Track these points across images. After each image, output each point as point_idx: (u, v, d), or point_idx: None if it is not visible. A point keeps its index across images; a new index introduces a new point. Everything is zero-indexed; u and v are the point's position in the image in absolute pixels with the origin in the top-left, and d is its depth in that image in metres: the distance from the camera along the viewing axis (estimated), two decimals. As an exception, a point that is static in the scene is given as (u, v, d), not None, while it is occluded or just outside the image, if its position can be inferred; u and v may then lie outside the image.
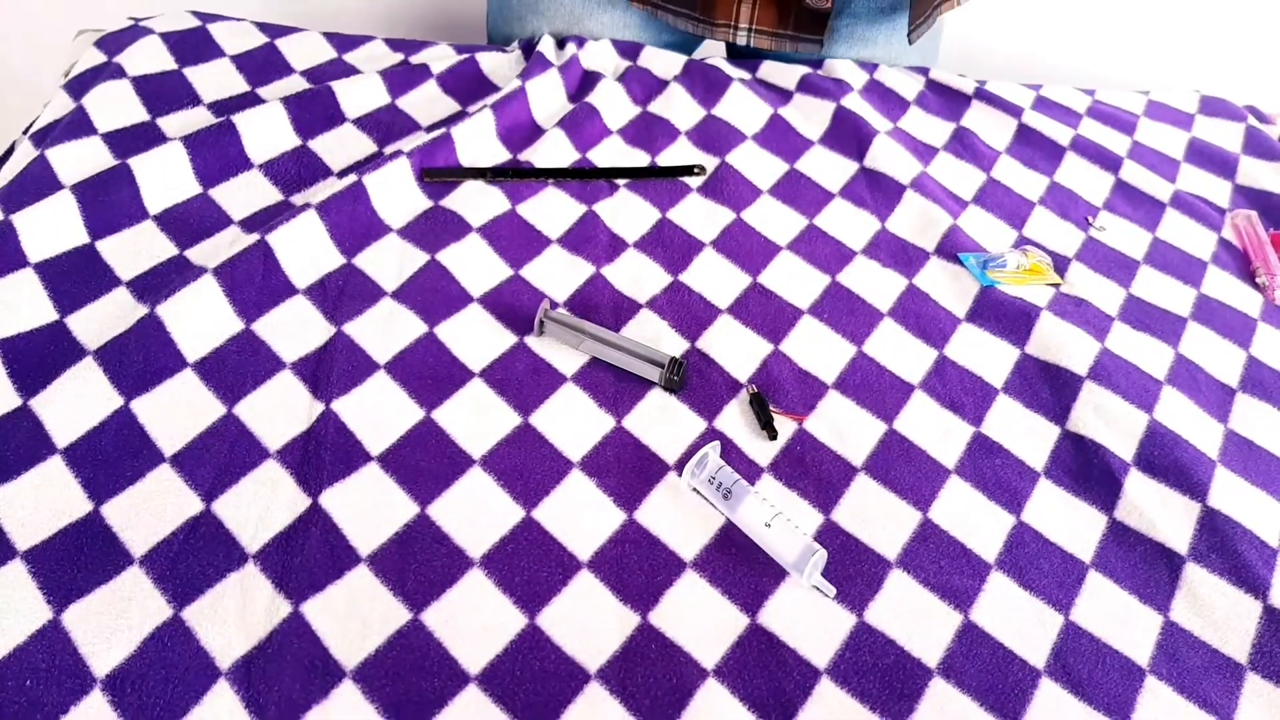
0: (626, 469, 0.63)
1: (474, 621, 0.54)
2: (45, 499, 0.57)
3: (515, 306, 0.71)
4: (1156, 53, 1.37)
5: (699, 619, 0.56)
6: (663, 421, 0.66)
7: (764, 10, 0.95)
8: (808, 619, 0.57)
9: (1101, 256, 0.83)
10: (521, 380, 0.67)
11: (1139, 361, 0.73)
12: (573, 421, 0.65)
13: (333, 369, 0.65)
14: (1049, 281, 0.79)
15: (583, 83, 0.93)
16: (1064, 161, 0.93)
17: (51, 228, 0.70)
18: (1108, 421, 0.68)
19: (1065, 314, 0.76)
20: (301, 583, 0.55)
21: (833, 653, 0.55)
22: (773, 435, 0.65)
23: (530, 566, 0.57)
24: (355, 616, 0.54)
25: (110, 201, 0.72)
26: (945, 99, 0.99)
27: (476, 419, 0.64)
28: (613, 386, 0.67)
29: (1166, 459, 0.66)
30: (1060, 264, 0.82)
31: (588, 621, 0.55)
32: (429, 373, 0.66)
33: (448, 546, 0.57)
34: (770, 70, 0.98)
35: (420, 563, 0.56)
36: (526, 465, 0.62)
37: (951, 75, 1.00)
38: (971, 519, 0.63)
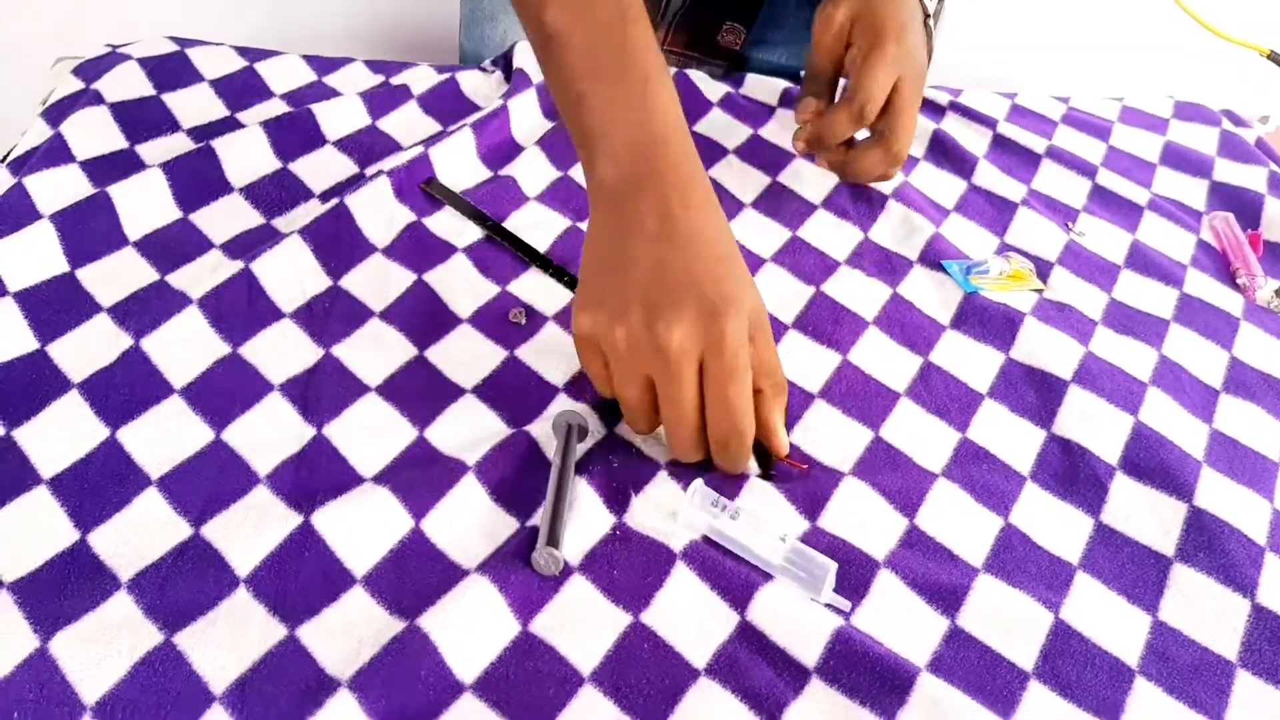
0: (618, 474, 0.63)
1: (468, 629, 0.54)
2: (31, 529, 0.56)
3: (504, 321, 0.71)
4: (1130, 59, 1.39)
5: (690, 616, 0.56)
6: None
7: (676, 36, 1.04)
8: (798, 617, 0.56)
9: (1083, 261, 0.84)
10: (513, 393, 0.67)
11: (1123, 364, 0.74)
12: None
13: (322, 392, 0.65)
14: (1032, 287, 0.80)
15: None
16: (1041, 168, 0.94)
17: (30, 256, 0.69)
18: (1093, 425, 0.69)
19: (1049, 319, 0.76)
20: (296, 607, 0.54)
21: (819, 654, 0.54)
22: (767, 475, 0.64)
23: (523, 573, 0.56)
24: (351, 637, 0.53)
25: (89, 229, 0.72)
26: (922, 111, 0.99)
27: (469, 434, 0.64)
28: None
29: (1152, 461, 0.67)
30: (1043, 269, 0.82)
31: (580, 624, 0.55)
32: (420, 391, 0.66)
33: (443, 563, 0.57)
34: (752, 86, 0.99)
35: (415, 580, 0.56)
36: (519, 476, 0.62)
37: (926, 89, 1.01)
38: (958, 522, 0.63)
